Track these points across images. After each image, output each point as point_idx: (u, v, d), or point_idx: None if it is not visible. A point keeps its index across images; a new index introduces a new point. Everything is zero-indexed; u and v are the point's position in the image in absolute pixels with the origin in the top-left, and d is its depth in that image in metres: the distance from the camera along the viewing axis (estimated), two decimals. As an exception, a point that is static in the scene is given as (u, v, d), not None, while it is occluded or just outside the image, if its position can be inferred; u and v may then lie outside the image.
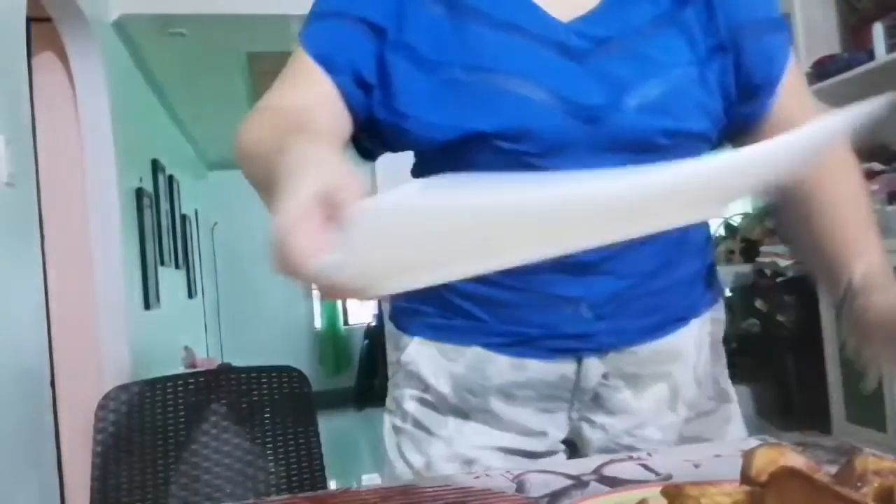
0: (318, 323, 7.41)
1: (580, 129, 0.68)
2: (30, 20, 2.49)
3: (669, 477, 0.61)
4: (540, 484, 0.62)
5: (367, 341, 6.79)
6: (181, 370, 4.35)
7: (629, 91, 0.68)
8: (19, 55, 2.00)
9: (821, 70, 3.02)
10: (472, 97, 0.68)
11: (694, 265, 0.80)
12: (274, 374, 1.20)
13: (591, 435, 0.79)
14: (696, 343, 0.79)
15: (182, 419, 1.15)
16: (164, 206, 4.43)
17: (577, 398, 0.78)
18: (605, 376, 0.77)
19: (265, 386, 1.19)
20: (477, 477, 0.65)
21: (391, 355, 0.88)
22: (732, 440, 0.79)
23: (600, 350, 0.75)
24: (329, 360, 7.19)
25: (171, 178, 4.77)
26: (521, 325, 0.76)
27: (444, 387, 0.79)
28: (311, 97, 0.72)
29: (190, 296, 5.50)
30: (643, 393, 0.78)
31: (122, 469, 1.10)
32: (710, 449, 0.69)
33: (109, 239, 2.99)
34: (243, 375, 1.19)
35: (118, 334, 2.98)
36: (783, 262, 3.53)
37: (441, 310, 0.79)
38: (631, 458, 0.68)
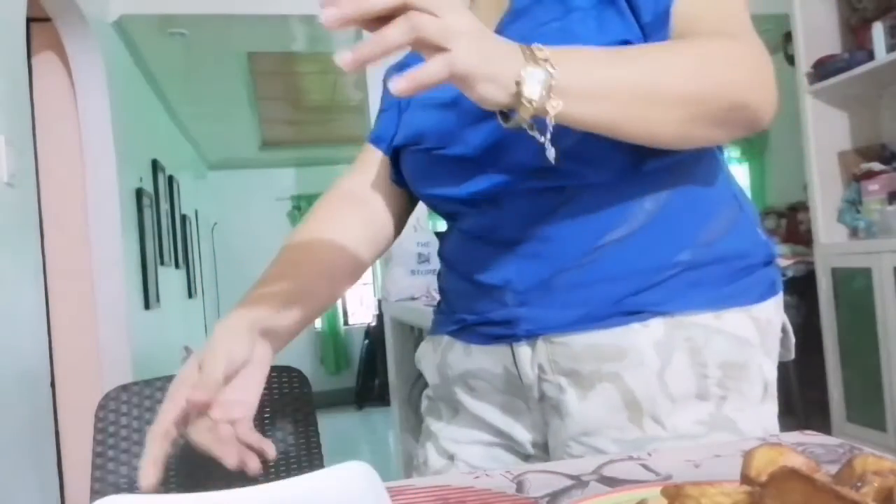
0: (318, 323, 7.41)
1: (446, 116, 0.76)
2: (30, 20, 2.49)
3: (669, 477, 0.61)
4: (540, 484, 0.62)
5: (367, 341, 6.79)
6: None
7: None
8: (19, 55, 2.00)
9: (821, 70, 3.02)
10: (404, 120, 0.85)
11: (657, 255, 0.71)
12: (274, 374, 1.20)
13: (550, 441, 0.76)
14: (657, 346, 0.69)
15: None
16: (164, 206, 4.43)
17: (527, 396, 0.76)
18: (541, 369, 0.74)
19: (265, 385, 1.19)
20: (477, 477, 0.65)
21: None
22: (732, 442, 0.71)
23: (527, 337, 0.73)
24: (329, 360, 7.19)
25: (171, 178, 4.77)
26: (464, 312, 0.79)
27: (432, 378, 0.86)
28: (368, 169, 0.91)
29: (190, 296, 5.50)
30: (588, 394, 0.71)
31: (122, 469, 1.10)
32: (710, 449, 0.69)
33: (109, 239, 2.99)
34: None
35: (118, 334, 2.98)
36: (783, 262, 3.54)
37: (436, 308, 0.88)
38: (631, 458, 0.68)
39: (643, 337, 0.70)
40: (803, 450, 0.65)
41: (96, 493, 1.07)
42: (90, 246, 2.95)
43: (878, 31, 2.81)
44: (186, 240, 5.56)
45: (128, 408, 1.13)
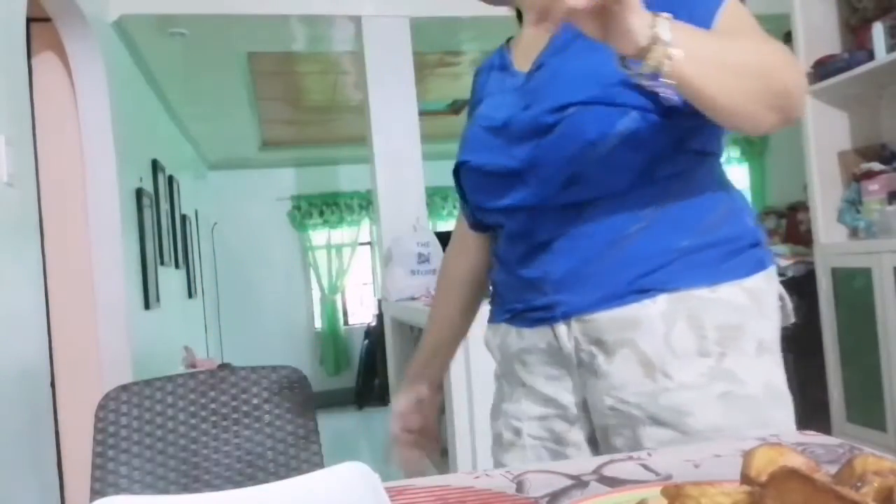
0: (318, 323, 7.41)
1: (499, 136, 0.94)
2: (30, 20, 2.49)
3: (669, 477, 0.61)
4: (540, 484, 0.62)
5: (367, 341, 6.79)
6: (181, 370, 4.35)
7: (538, 94, 0.90)
8: (19, 55, 2.00)
9: (821, 70, 3.02)
10: (462, 140, 1.03)
11: (664, 245, 0.87)
12: (274, 374, 1.20)
13: (589, 397, 0.93)
14: (663, 316, 0.85)
15: (182, 419, 1.15)
16: (164, 206, 4.43)
17: (569, 363, 0.93)
18: (577, 341, 0.91)
19: (265, 386, 1.19)
20: (477, 477, 0.65)
21: None
22: (732, 433, 0.81)
23: (563, 318, 0.91)
24: (329, 360, 7.19)
25: (171, 178, 4.77)
26: (514, 303, 0.98)
27: (496, 356, 1.05)
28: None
29: (190, 296, 5.50)
30: (613, 358, 0.88)
31: (122, 468, 1.10)
32: (710, 449, 0.69)
33: (109, 239, 2.99)
34: (243, 375, 1.19)
35: (118, 334, 2.98)
36: (783, 262, 3.54)
37: (492, 299, 1.06)
38: (631, 458, 0.68)
39: (651, 310, 0.86)
40: (803, 450, 0.65)
41: (96, 492, 1.07)
42: (90, 246, 2.95)
43: (878, 31, 2.81)
44: (186, 240, 5.56)
45: (128, 408, 1.13)
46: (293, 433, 1.17)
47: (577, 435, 0.95)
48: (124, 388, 1.14)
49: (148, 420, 1.14)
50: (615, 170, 0.85)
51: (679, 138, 0.86)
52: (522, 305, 0.95)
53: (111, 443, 1.11)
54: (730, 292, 0.86)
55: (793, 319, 0.94)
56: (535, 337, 0.95)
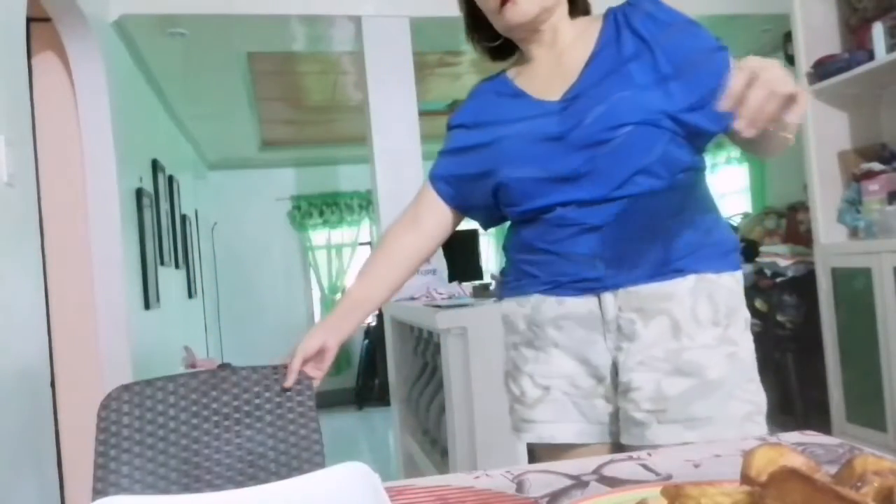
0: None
1: (554, 145, 1.11)
2: (30, 20, 2.49)
3: (669, 477, 0.61)
4: (540, 484, 0.62)
5: (367, 341, 6.79)
6: (181, 370, 4.35)
7: (587, 115, 1.09)
8: (19, 55, 2.00)
9: (821, 70, 3.02)
10: (490, 153, 1.19)
11: (689, 236, 1.11)
12: (276, 374, 1.20)
13: (619, 357, 1.12)
14: (690, 292, 1.09)
15: (184, 419, 1.15)
16: (164, 206, 4.43)
17: (607, 329, 1.12)
18: (620, 309, 1.11)
19: (267, 385, 1.19)
20: (477, 477, 0.65)
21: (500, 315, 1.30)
22: (733, 430, 1.03)
23: (612, 288, 1.11)
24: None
25: (171, 178, 4.77)
26: (559, 276, 1.14)
27: (521, 325, 1.21)
28: (426, 198, 1.31)
29: (190, 296, 5.50)
30: (649, 323, 1.10)
31: (124, 468, 1.10)
32: (710, 449, 0.69)
33: (109, 239, 2.99)
34: (245, 375, 1.19)
35: (118, 334, 2.98)
36: (783, 262, 3.54)
37: (517, 276, 1.22)
38: (631, 458, 0.68)
39: (683, 286, 1.10)
40: (803, 450, 0.65)
41: (98, 492, 1.07)
42: (90, 246, 2.95)
43: (878, 31, 2.81)
44: (186, 240, 5.56)
45: (129, 407, 1.13)
46: (295, 433, 1.17)
47: (603, 390, 1.14)
48: (126, 387, 1.14)
49: (150, 420, 1.14)
50: (652, 176, 1.08)
51: (692, 154, 1.12)
52: (569, 277, 1.13)
53: (113, 442, 1.11)
54: (729, 279, 1.13)
55: None
56: (578, 304, 1.14)
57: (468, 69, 4.60)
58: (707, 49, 1.11)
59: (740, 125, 0.82)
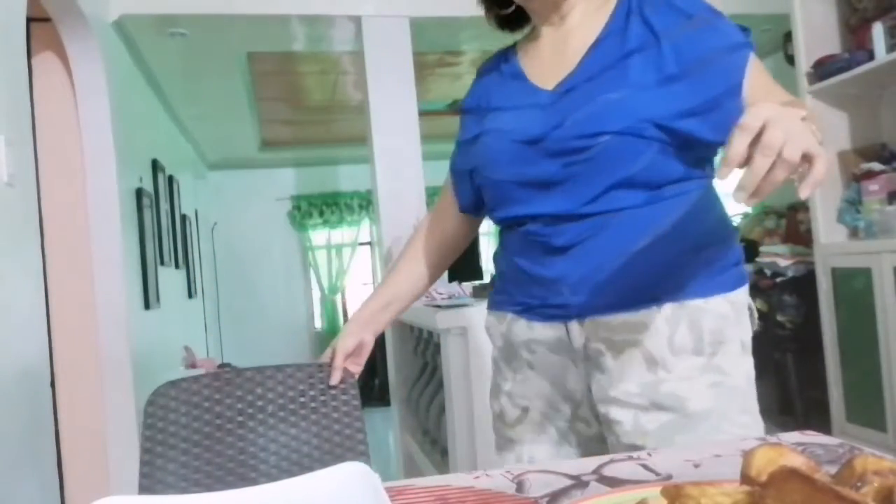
0: (318, 323, 7.41)
1: (529, 150, 1.01)
2: (30, 20, 2.49)
3: (669, 477, 0.61)
4: (540, 484, 0.62)
5: (367, 341, 6.78)
6: (181, 370, 4.35)
7: (567, 118, 0.98)
8: (19, 55, 2.00)
9: (821, 70, 3.02)
10: (479, 148, 1.10)
11: (668, 259, 0.98)
12: (320, 372, 1.22)
13: (593, 386, 1.03)
14: (666, 321, 0.98)
15: (230, 415, 1.16)
16: (164, 206, 4.43)
17: (576, 356, 1.04)
18: (588, 339, 1.02)
19: (311, 383, 1.20)
20: (477, 477, 0.65)
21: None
22: (731, 434, 0.94)
23: (578, 317, 1.01)
24: (329, 360, 7.18)
25: (171, 178, 4.77)
26: (527, 297, 1.06)
27: (498, 342, 1.14)
28: (448, 198, 1.24)
29: (190, 296, 5.50)
30: (620, 356, 1.00)
31: (171, 465, 1.11)
32: (710, 449, 0.69)
33: (109, 239, 2.99)
34: (290, 373, 1.20)
35: (118, 334, 2.98)
36: (783, 262, 3.54)
37: (497, 289, 1.15)
38: (631, 457, 0.68)
39: (658, 315, 0.98)
40: (803, 450, 0.65)
41: (144, 489, 1.07)
42: (90, 246, 2.95)
43: (878, 31, 2.81)
44: (186, 240, 5.56)
45: (176, 404, 1.14)
46: (340, 431, 1.18)
47: (583, 412, 1.06)
48: (172, 383, 1.15)
49: (196, 416, 1.14)
50: (633, 190, 0.97)
51: (687, 165, 0.99)
52: (537, 301, 1.05)
53: (159, 438, 1.11)
54: (718, 304, 1.00)
55: (756, 326, 1.07)
56: (547, 330, 1.05)
57: (468, 69, 4.60)
58: (725, 48, 0.97)
59: (738, 196, 0.70)
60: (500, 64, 1.15)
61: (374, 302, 1.23)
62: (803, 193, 0.72)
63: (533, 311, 1.06)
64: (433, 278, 1.26)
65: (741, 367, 1.01)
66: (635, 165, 0.96)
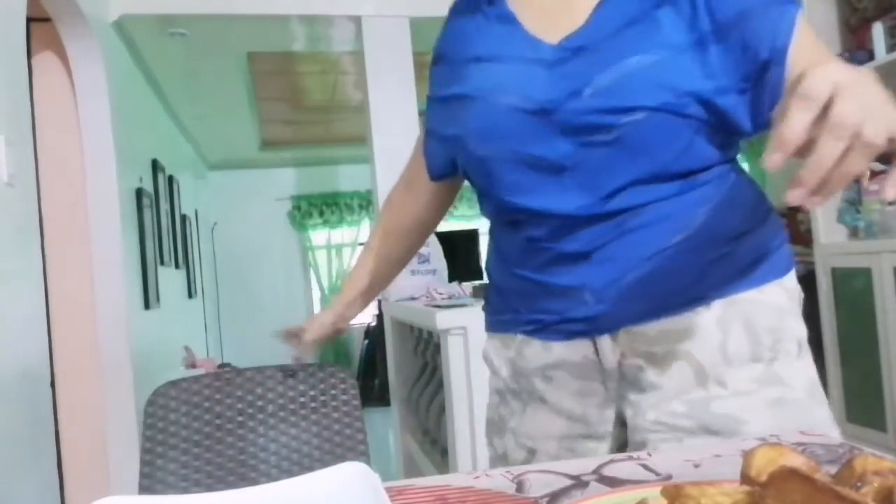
0: (318, 323, 7.40)
1: (541, 121, 0.80)
2: (30, 20, 2.49)
3: (669, 477, 0.61)
4: (540, 484, 0.62)
5: (367, 341, 6.79)
6: (181, 370, 4.35)
7: (586, 84, 0.78)
8: (19, 55, 2.00)
9: (821, 70, 3.01)
10: (461, 113, 0.88)
11: (710, 251, 0.82)
12: (321, 373, 1.22)
13: (627, 411, 0.86)
14: (719, 323, 0.81)
15: (230, 415, 1.16)
16: (164, 206, 4.43)
17: (607, 378, 0.86)
18: (623, 355, 0.84)
19: (312, 384, 1.20)
20: (477, 477, 0.65)
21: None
22: (751, 433, 0.78)
23: (610, 330, 0.84)
24: (329, 360, 7.19)
25: (171, 178, 4.77)
26: (542, 313, 0.88)
27: (505, 372, 0.95)
28: (418, 168, 1.06)
29: (190, 296, 5.49)
30: (666, 371, 0.83)
31: (171, 465, 1.11)
32: (710, 449, 0.69)
33: (109, 239, 2.99)
34: (291, 372, 1.20)
35: (118, 334, 2.98)
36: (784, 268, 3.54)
37: (499, 307, 0.96)
38: (631, 458, 0.68)
39: (706, 317, 0.82)
40: (803, 450, 0.65)
41: (145, 488, 1.07)
42: (90, 246, 2.95)
43: (878, 31, 2.81)
44: (186, 240, 5.56)
45: (176, 404, 1.14)
46: (340, 432, 1.18)
47: (604, 450, 0.88)
48: (173, 383, 1.15)
49: (196, 416, 1.14)
50: (666, 178, 0.80)
51: (719, 147, 0.82)
52: (555, 317, 0.86)
53: (160, 438, 1.12)
54: (774, 293, 0.84)
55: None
56: (568, 350, 0.87)
57: (468, 69, 4.59)
58: (761, 3, 0.76)
59: (795, 196, 0.52)
60: (480, 2, 0.91)
61: (350, 293, 1.12)
62: (890, 193, 0.52)
63: (549, 328, 0.87)
64: (405, 263, 1.14)
65: (802, 375, 0.84)
66: (669, 151, 0.78)
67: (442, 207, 1.09)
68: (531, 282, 0.88)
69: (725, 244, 0.83)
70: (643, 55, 0.76)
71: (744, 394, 0.80)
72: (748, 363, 0.81)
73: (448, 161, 0.97)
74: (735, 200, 0.85)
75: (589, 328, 0.85)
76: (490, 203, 0.90)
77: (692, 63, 0.76)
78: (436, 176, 1.02)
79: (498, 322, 0.96)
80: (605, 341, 0.85)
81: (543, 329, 0.88)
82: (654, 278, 0.81)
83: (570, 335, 0.86)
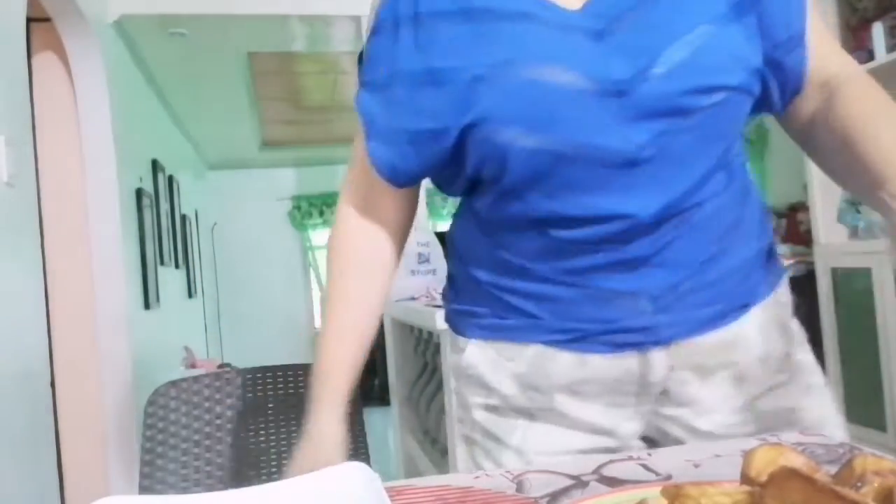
0: (318, 323, 7.40)
1: (610, 104, 0.67)
2: (30, 20, 2.49)
3: (669, 477, 0.61)
4: (540, 484, 0.62)
5: (367, 341, 6.78)
6: (181, 370, 4.35)
7: (655, 59, 0.66)
8: (19, 55, 2.00)
9: (821, 70, 3.01)
10: (494, 92, 0.68)
11: (750, 249, 0.78)
12: None
13: (665, 426, 0.79)
14: (759, 329, 0.78)
15: (230, 415, 1.17)
16: (164, 206, 4.43)
17: (645, 392, 0.78)
18: (671, 368, 0.77)
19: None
20: (477, 477, 0.65)
21: (449, 359, 0.89)
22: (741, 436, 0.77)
23: (664, 342, 0.75)
24: (329, 360, 7.18)
25: (171, 178, 4.77)
26: (581, 322, 0.76)
27: (508, 388, 0.80)
28: (369, 181, 0.81)
29: (190, 296, 5.49)
30: (709, 382, 0.77)
31: (171, 465, 1.11)
32: (710, 449, 0.69)
33: (109, 239, 2.99)
34: (290, 373, 1.20)
35: (118, 334, 2.98)
36: (784, 262, 3.53)
37: (495, 310, 0.80)
38: (631, 458, 0.68)
39: (750, 324, 0.77)
40: (803, 450, 0.65)
41: (144, 489, 1.07)
42: (90, 246, 2.95)
43: (878, 31, 2.81)
44: (186, 240, 5.56)
45: (176, 403, 1.14)
46: None
47: None
48: (173, 384, 1.15)
49: (196, 416, 1.15)
50: (725, 167, 0.73)
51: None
52: (600, 326, 0.75)
53: (160, 439, 1.12)
54: (785, 290, 0.82)
55: None
56: (610, 364, 0.76)
57: (468, 69, 4.59)
58: None
59: None
60: None
61: (339, 379, 0.81)
62: None
63: (589, 339, 0.76)
64: (387, 295, 0.87)
65: (813, 360, 0.83)
66: (734, 136, 0.72)
67: (413, 210, 0.87)
68: (565, 285, 0.75)
69: (757, 239, 0.79)
70: (706, 25, 0.67)
71: (778, 386, 0.78)
72: (783, 359, 0.80)
73: (421, 159, 0.76)
74: (758, 200, 0.81)
75: (643, 339, 0.75)
76: (515, 203, 0.73)
77: (741, 35, 0.69)
78: (404, 181, 0.79)
79: (496, 326, 0.80)
80: (656, 355, 0.75)
81: (581, 339, 0.76)
82: (708, 282, 0.75)
83: (616, 347, 0.76)
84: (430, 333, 2.71)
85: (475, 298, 0.82)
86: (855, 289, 2.87)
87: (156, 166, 4.19)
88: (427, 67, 0.71)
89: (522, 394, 0.80)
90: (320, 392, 0.81)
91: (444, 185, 0.82)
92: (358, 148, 0.81)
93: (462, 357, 0.84)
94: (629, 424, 0.79)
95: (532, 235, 0.75)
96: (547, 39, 0.68)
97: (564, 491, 0.59)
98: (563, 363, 0.77)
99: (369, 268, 0.84)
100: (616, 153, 0.67)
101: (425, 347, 2.89)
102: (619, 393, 0.77)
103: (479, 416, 0.83)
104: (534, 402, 0.80)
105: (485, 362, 0.81)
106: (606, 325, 0.75)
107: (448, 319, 0.88)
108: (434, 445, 2.82)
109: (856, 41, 3.07)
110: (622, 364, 0.76)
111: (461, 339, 0.84)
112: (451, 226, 0.88)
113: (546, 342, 0.78)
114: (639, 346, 0.75)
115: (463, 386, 0.85)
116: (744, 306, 0.77)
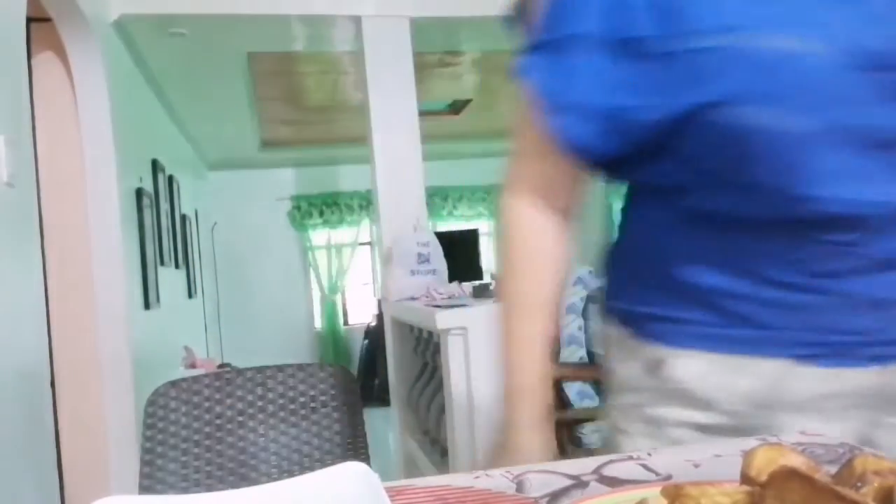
0: (318, 323, 7.41)
1: (869, 81, 0.59)
2: (30, 20, 2.49)
3: (669, 477, 0.61)
4: (540, 484, 0.62)
5: (366, 341, 6.79)
6: (181, 370, 4.35)
7: None
8: (19, 55, 2.00)
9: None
10: (714, 64, 0.60)
11: None
12: (322, 373, 1.22)
13: (876, 434, 0.72)
14: None
15: (230, 415, 1.17)
16: (164, 206, 4.43)
17: (876, 404, 0.70)
18: None
19: (312, 384, 1.20)
20: (477, 477, 0.65)
21: (630, 369, 0.78)
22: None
23: None
24: (329, 360, 7.19)
25: (171, 178, 4.77)
26: (834, 333, 0.68)
27: (728, 404, 0.71)
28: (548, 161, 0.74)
29: (190, 296, 5.50)
30: None
31: (171, 465, 1.11)
32: (710, 449, 0.69)
33: (109, 239, 2.99)
34: (290, 373, 1.20)
35: (118, 334, 2.98)
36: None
37: (719, 317, 0.71)
38: (631, 457, 0.68)
39: None
40: (803, 450, 0.65)
41: (144, 489, 1.07)
42: (90, 246, 2.95)
43: None
44: (186, 240, 5.56)
45: (176, 403, 1.14)
46: (340, 432, 1.19)
47: None
48: (173, 383, 1.15)
49: (196, 416, 1.15)
50: None
51: None
52: (861, 337, 0.68)
53: (160, 438, 1.12)
54: None
55: None
56: (863, 378, 0.69)
57: (468, 69, 4.60)
58: None
59: None
60: None
61: (537, 394, 0.80)
62: None
63: (847, 353, 0.68)
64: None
65: None
66: None
67: (585, 196, 0.80)
68: (819, 292, 0.67)
69: None
70: None
71: None
72: None
73: (623, 140, 0.67)
74: None
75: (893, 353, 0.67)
76: (752, 198, 0.64)
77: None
78: (601, 160, 0.71)
79: (723, 337, 0.71)
80: None
81: (834, 353, 0.68)
82: None
83: (875, 360, 0.68)
84: (430, 333, 2.71)
85: (683, 303, 0.72)
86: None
87: (156, 166, 4.20)
88: (674, 30, 0.61)
89: (754, 412, 0.71)
90: (521, 409, 0.80)
91: (626, 171, 0.73)
92: (526, 137, 0.75)
93: (667, 368, 0.73)
94: (840, 432, 0.70)
95: (773, 234, 0.66)
96: (806, 8, 0.60)
97: (564, 491, 0.59)
98: (812, 378, 0.69)
99: (554, 268, 0.79)
100: (882, 132, 0.60)
101: (425, 347, 2.89)
102: (855, 408, 0.70)
103: (680, 434, 0.73)
104: (752, 421, 0.71)
105: (705, 376, 0.71)
106: (868, 335, 0.68)
107: (629, 322, 0.77)
108: (434, 445, 2.82)
109: None
110: (882, 378, 0.69)
111: (661, 349, 0.74)
112: (630, 214, 0.78)
113: (793, 356, 0.69)
114: (888, 359, 0.68)
115: (660, 398, 0.74)
116: None
